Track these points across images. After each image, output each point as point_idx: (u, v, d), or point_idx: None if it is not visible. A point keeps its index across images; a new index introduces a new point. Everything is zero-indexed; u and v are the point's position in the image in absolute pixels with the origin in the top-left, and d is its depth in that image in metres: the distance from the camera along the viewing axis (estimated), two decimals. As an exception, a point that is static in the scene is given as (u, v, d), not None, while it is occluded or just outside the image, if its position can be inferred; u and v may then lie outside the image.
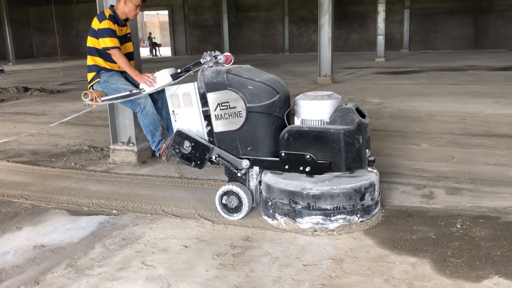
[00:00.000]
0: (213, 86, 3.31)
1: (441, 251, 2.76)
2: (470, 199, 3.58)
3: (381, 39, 17.78)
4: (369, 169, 3.27)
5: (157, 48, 30.78)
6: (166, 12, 30.37)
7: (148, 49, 31.98)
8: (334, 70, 11.92)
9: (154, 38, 31.25)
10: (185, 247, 2.94)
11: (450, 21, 23.44)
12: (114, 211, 3.60)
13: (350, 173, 3.15)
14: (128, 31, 4.44)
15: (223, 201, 3.35)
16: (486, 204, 3.47)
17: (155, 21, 46.24)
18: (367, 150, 3.23)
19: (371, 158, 3.28)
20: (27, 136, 6.16)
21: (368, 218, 3.12)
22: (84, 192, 4.06)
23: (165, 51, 31.88)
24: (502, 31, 22.55)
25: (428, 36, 23.93)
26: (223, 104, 3.30)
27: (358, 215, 3.07)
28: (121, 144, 4.99)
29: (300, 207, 3.05)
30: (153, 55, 29.76)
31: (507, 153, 4.81)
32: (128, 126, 4.95)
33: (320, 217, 3.02)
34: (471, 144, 5.22)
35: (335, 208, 3.02)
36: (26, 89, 11.82)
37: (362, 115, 3.26)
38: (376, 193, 3.19)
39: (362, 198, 3.07)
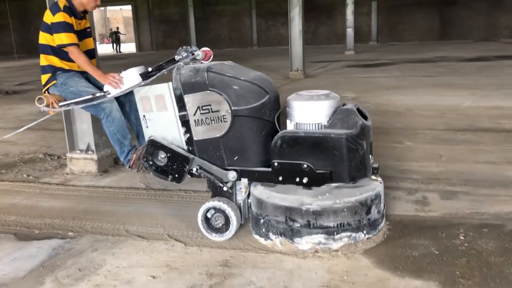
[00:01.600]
0: (191, 87, 2.84)
1: (448, 270, 2.42)
2: (468, 204, 3.26)
3: (350, 32, 17.59)
4: (373, 177, 2.87)
5: (119, 44, 29.75)
6: (129, 7, 29.45)
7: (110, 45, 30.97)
8: (305, 64, 11.59)
9: (120, 33, 30.17)
10: (153, 277, 2.50)
11: (417, 13, 23.51)
12: (70, 233, 3.12)
13: (353, 183, 2.74)
14: (88, 25, 3.89)
15: (207, 220, 2.90)
16: (486, 210, 3.16)
17: (119, 16, 45.02)
18: (370, 156, 2.84)
19: (375, 165, 2.90)
20: (-25, 144, 5.56)
21: (374, 234, 2.74)
22: (36, 210, 3.55)
23: (129, 47, 30.95)
24: (468, 22, 22.76)
25: (396, 28, 23.96)
26: (204, 108, 2.84)
27: (364, 231, 2.68)
28: (79, 152, 4.48)
29: (299, 225, 2.64)
30: (116, 52, 28.79)
31: (495, 149, 4.55)
32: (87, 132, 4.44)
33: (322, 236, 2.62)
34: (456, 140, 4.95)
35: (339, 225, 2.62)
36: (-20, 91, 11.03)
37: (364, 116, 2.85)
38: (382, 204, 2.80)
39: (368, 212, 2.68)
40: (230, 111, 2.79)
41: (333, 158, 2.66)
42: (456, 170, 4.01)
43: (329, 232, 2.62)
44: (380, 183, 2.85)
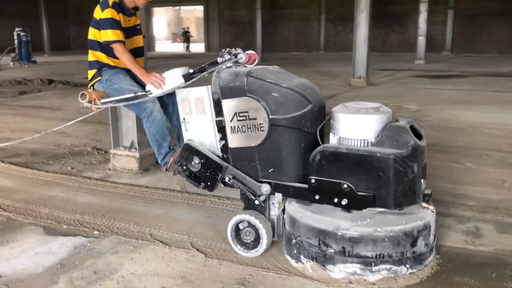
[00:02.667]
0: (229, 92, 2.67)
1: (492, 319, 2.10)
2: (528, 241, 2.88)
3: (421, 40, 16.81)
4: (424, 205, 2.56)
5: (189, 43, 30.38)
6: (202, 7, 30.04)
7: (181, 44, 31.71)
8: (370, 71, 11.17)
9: (189, 33, 30.85)
10: (165, 289, 2.38)
11: (497, 24, 22.07)
12: (95, 232, 3.07)
13: (399, 210, 2.45)
14: (138, 22, 3.87)
15: (237, 234, 2.74)
16: (549, 250, 2.76)
17: (191, 16, 46.12)
18: (422, 181, 2.51)
19: (428, 192, 2.57)
20: (32, 134, 5.74)
21: (419, 269, 2.43)
22: (71, 205, 3.56)
23: (199, 47, 31.56)
24: (554, 35, 21.07)
25: (472, 39, 22.63)
26: (241, 114, 2.66)
27: (407, 265, 2.39)
28: (122, 148, 4.48)
29: (333, 251, 2.40)
30: (186, 51, 29.45)
31: None
32: (131, 129, 4.44)
33: (358, 265, 2.36)
34: (525, 165, 4.46)
35: (378, 256, 2.35)
36: (51, 81, 11.59)
37: (418, 135, 2.54)
38: (431, 236, 2.49)
39: (413, 244, 2.39)
40: (267, 119, 2.60)
41: (378, 180, 2.38)
42: (519, 199, 3.58)
43: (366, 262, 2.36)
44: (432, 212, 2.53)
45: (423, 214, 2.48)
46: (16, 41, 17.43)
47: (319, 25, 25.58)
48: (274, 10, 26.35)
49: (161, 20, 43.66)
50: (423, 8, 16.58)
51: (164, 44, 39.39)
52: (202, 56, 24.28)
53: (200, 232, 3.04)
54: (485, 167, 4.42)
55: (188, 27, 32.85)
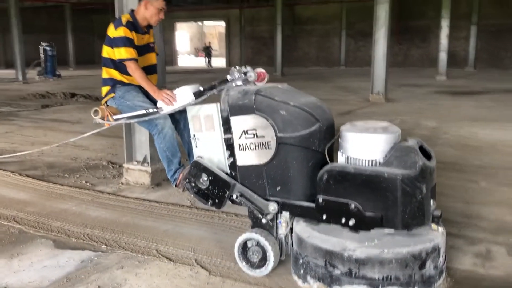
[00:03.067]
0: (238, 109, 2.69)
1: None
2: (540, 265, 2.80)
3: (443, 56, 16.62)
4: (434, 226, 2.50)
5: (210, 58, 30.69)
6: (224, 23, 30.40)
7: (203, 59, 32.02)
8: (389, 87, 11.10)
9: (211, 48, 31.20)
10: (167, 306, 2.39)
11: (522, 39, 21.74)
12: (103, 246, 3.11)
13: (407, 231, 2.42)
14: (151, 40, 3.96)
15: (243, 253, 2.73)
16: (562, 275, 2.68)
17: (214, 31, 46.68)
18: (431, 202, 2.47)
19: (437, 213, 2.52)
20: (48, 146, 5.87)
21: None
22: (82, 218, 3.62)
23: (221, 62, 31.86)
24: None
25: (497, 55, 22.30)
26: (249, 132, 2.67)
27: None
28: (135, 163, 4.54)
29: (339, 272, 2.36)
30: (207, 66, 29.75)
31: None
32: (144, 144, 4.50)
33: (364, 287, 2.34)
34: (542, 186, 4.35)
35: (385, 278, 2.30)
36: (73, 95, 11.84)
37: (428, 155, 2.51)
38: (441, 259, 2.42)
39: (422, 267, 2.33)
40: (275, 137, 2.59)
41: (385, 200, 2.36)
42: (534, 221, 3.49)
43: (373, 284, 2.31)
44: (442, 234, 2.48)
45: (432, 236, 2.43)
46: (42, 55, 17.90)
47: (339, 40, 25.57)
48: (295, 26, 26.50)
49: (184, 35, 44.32)
50: (445, 24, 16.42)
51: (186, 59, 39.91)
52: (223, 71, 24.46)
53: (205, 249, 3.05)
54: (501, 187, 4.33)
55: (210, 42, 33.21)
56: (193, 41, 46.92)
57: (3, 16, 17.88)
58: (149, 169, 4.43)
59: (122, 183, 4.51)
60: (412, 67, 23.77)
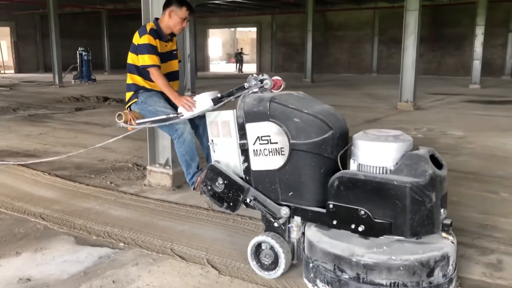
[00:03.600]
0: (253, 116, 2.77)
1: None
2: (551, 278, 2.77)
3: (477, 64, 16.29)
4: (444, 235, 2.51)
5: (241, 64, 30.93)
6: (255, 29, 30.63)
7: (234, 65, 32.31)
8: (419, 95, 10.99)
9: (242, 54, 31.46)
10: (175, 302, 2.50)
11: None
12: (121, 244, 3.26)
13: (417, 238, 2.45)
14: (174, 47, 4.10)
15: (256, 255, 2.80)
16: None
17: (247, 38, 47.05)
18: (442, 211, 2.48)
19: (447, 222, 2.52)
20: (79, 149, 6.10)
21: None
22: (103, 217, 3.78)
23: (252, 68, 32.10)
24: None
25: (535, 63, 21.65)
26: (263, 138, 2.75)
27: None
28: (158, 165, 4.70)
29: (347, 277, 2.40)
30: (238, 71, 30.03)
31: None
32: (167, 148, 4.65)
33: None
34: None
35: (392, 284, 2.34)
36: (106, 99, 12.21)
37: (439, 164, 2.54)
38: (450, 267, 2.44)
39: (430, 274, 2.35)
40: (288, 144, 2.67)
41: (394, 208, 2.39)
42: (551, 233, 3.44)
43: None
44: (452, 242, 2.49)
45: (442, 245, 2.44)
46: (78, 60, 18.51)
47: (372, 47, 25.36)
48: (326, 32, 26.46)
49: (217, 41, 44.83)
50: (479, 32, 16.13)
51: (218, 64, 40.35)
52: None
53: (218, 249, 3.15)
54: (522, 198, 4.27)
55: (241, 49, 33.52)
56: (225, 47, 47.39)
57: (44, 22, 18.62)
58: (170, 171, 4.57)
59: (145, 185, 4.67)
60: (446, 75, 23.33)
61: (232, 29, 44.03)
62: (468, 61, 20.73)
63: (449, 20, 22.94)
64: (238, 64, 30.64)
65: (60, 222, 3.67)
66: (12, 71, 27.02)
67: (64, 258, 3.03)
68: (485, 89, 15.86)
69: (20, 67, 27.34)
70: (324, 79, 21.06)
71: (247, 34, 45.67)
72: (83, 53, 18.53)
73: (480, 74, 16.40)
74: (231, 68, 33.19)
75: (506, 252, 3.12)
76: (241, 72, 29.60)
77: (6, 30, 27.35)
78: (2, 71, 26.68)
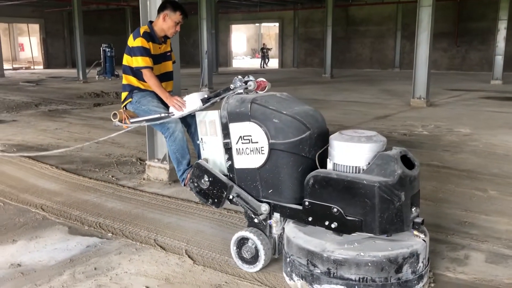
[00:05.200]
0: (236, 116, 2.91)
1: None
2: (513, 273, 2.85)
3: (499, 60, 15.98)
4: (415, 233, 2.58)
5: (266, 59, 31.00)
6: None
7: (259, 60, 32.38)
8: (436, 91, 10.91)
9: (266, 49, 31.52)
10: (147, 288, 2.70)
11: None
12: (109, 234, 3.48)
13: (387, 236, 2.56)
14: (168, 49, 4.23)
15: (238, 250, 2.95)
16: (532, 284, 2.73)
17: (271, 33, 47.07)
18: (413, 209, 2.57)
19: (418, 220, 2.58)
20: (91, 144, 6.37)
21: None
22: (98, 209, 4.02)
23: (274, 63, 32.15)
24: None
25: (562, 58, 21.01)
26: (245, 138, 2.89)
27: None
28: (156, 160, 4.92)
29: (319, 271, 2.52)
30: (261, 67, 30.13)
31: None
32: (165, 143, 4.83)
33: (342, 287, 2.48)
34: (554, 197, 4.28)
35: (361, 279, 2.45)
36: (124, 95, 12.53)
37: (411, 164, 2.63)
38: (420, 264, 2.53)
39: (398, 271, 2.45)
40: (267, 143, 2.79)
41: (364, 206, 2.49)
42: (528, 231, 3.49)
43: (350, 285, 2.46)
44: (423, 240, 2.57)
45: (412, 242, 2.53)
46: (102, 56, 19.00)
47: (394, 42, 25.08)
48: (348, 26, 26.30)
49: (241, 36, 45.01)
50: (502, 26, 15.79)
51: (243, 60, 40.53)
52: (274, 72, 24.76)
53: (198, 241, 3.33)
54: (509, 196, 4.30)
55: (264, 44, 33.60)
56: (250, 42, 47.53)
57: (71, 19, 19.17)
58: (167, 166, 4.78)
59: (144, 179, 4.89)
60: (470, 71, 22.90)
61: (257, 24, 44.10)
62: (492, 56, 20.34)
63: (474, 14, 22.49)
64: (262, 60, 30.71)
65: (58, 213, 3.92)
66: (41, 67, 27.86)
67: (55, 246, 3.27)
68: (507, 85, 15.55)
69: (48, 62, 28.17)
70: (344, 75, 20.99)
71: (272, 29, 45.66)
72: (107, 49, 18.97)
73: (502, 70, 16.08)
74: (255, 63, 33.29)
75: (476, 249, 3.20)
76: (262, 67, 29.70)
77: (36, 27, 28.23)
78: (32, 67, 27.55)
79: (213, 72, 17.63)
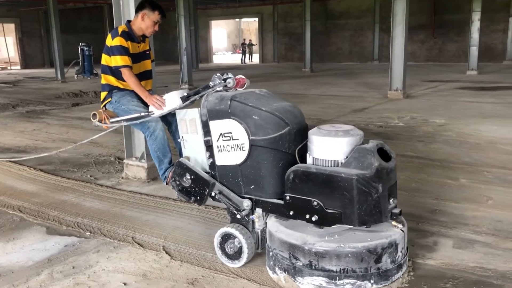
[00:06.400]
0: (216, 114, 2.94)
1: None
2: (479, 257, 2.97)
3: (474, 50, 16.29)
4: (394, 223, 2.65)
5: (248, 54, 31.00)
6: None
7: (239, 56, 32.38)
8: (413, 83, 11.09)
9: (245, 45, 31.52)
10: (124, 284, 2.75)
11: None
12: (87, 233, 3.51)
13: (366, 227, 2.63)
14: (147, 48, 4.25)
15: (222, 246, 2.99)
16: (495, 266, 2.85)
17: (252, 28, 47.04)
18: (390, 200, 2.64)
19: (396, 210, 2.65)
20: (68, 144, 6.36)
21: (385, 285, 2.56)
22: (77, 209, 4.04)
23: (255, 58, 32.18)
24: None
25: (536, 47, 21.49)
26: (225, 135, 2.92)
27: (372, 281, 2.53)
28: (134, 159, 4.95)
29: (301, 264, 2.58)
30: (242, 62, 30.15)
31: (561, 198, 4.00)
32: (142, 142, 4.88)
33: (324, 279, 2.53)
34: (521, 183, 4.44)
35: (342, 270, 2.51)
36: (103, 94, 12.46)
37: (388, 157, 2.70)
38: (399, 253, 2.60)
39: (378, 261, 2.53)
40: (248, 140, 2.82)
41: (343, 199, 2.56)
42: (494, 217, 3.63)
43: (331, 276, 2.52)
44: (402, 231, 2.65)
45: (390, 233, 2.61)
46: (80, 55, 18.82)
47: (373, 35, 25.33)
48: (328, 21, 26.49)
49: (222, 32, 44.90)
50: (476, 18, 16.08)
51: (224, 55, 40.47)
52: (255, 67, 24.80)
53: (176, 237, 3.39)
54: (479, 184, 4.44)
55: (244, 39, 33.63)
56: (230, 37, 47.45)
57: (47, 18, 18.90)
58: (145, 164, 4.82)
59: (122, 178, 4.92)
60: (448, 62, 23.31)
61: (237, 20, 44.01)
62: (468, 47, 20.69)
63: (450, 6, 22.86)
64: (243, 55, 30.73)
65: (36, 214, 3.93)
66: (19, 67, 27.46)
67: (33, 247, 3.29)
68: (482, 75, 15.88)
69: (26, 62, 27.79)
70: (324, 68, 21.16)
71: (252, 24, 45.62)
72: (85, 48, 18.81)
73: (477, 60, 16.39)
74: (236, 58, 33.28)
75: (445, 235, 3.32)
76: (244, 63, 29.73)
77: (11, 26, 27.77)
78: (9, 67, 27.13)
79: (193, 69, 17.62)
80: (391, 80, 10.81)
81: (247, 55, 31.23)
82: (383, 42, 25.15)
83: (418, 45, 24.39)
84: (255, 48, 32.02)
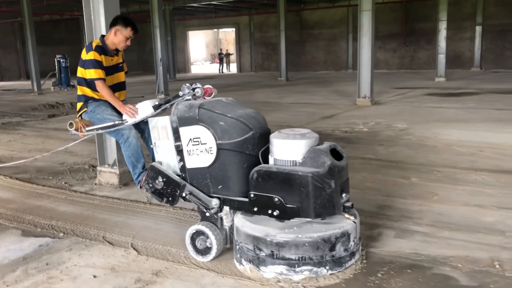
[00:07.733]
0: (185, 121, 3.21)
1: (339, 303, 2.58)
2: (414, 245, 3.32)
3: (441, 58, 16.94)
4: (346, 215, 2.98)
5: (226, 64, 31.36)
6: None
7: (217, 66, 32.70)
8: (383, 90, 11.55)
9: (223, 54, 31.90)
10: (94, 277, 3.01)
11: (528, 38, 21.77)
12: (61, 234, 3.75)
13: (322, 219, 2.94)
14: (120, 60, 4.47)
15: (193, 242, 3.24)
16: (428, 252, 3.20)
17: (230, 38, 47.50)
18: (343, 195, 2.97)
19: (348, 204, 2.99)
20: (42, 152, 6.56)
21: (339, 271, 2.87)
22: (51, 213, 4.27)
23: (233, 68, 32.56)
24: None
25: (502, 54, 22.36)
26: (194, 140, 3.20)
27: (327, 267, 2.83)
28: (107, 166, 5.19)
29: (264, 254, 2.86)
30: (220, 72, 30.49)
31: (498, 192, 4.39)
32: (114, 149, 5.13)
33: (284, 267, 2.83)
34: (467, 181, 4.82)
35: (300, 258, 2.81)
36: (80, 105, 12.62)
37: (339, 156, 3.03)
38: (351, 242, 2.91)
39: (332, 249, 2.83)
40: (215, 144, 3.10)
41: (300, 194, 2.86)
42: (436, 210, 3.99)
43: (291, 264, 2.80)
44: (354, 222, 2.97)
45: (343, 224, 2.93)
46: (56, 67, 18.88)
47: (347, 44, 26.01)
48: (302, 30, 27.05)
49: (200, 42, 45.23)
50: (442, 27, 16.75)
51: (202, 65, 40.77)
52: (232, 77, 25.18)
53: (144, 236, 3.66)
54: (428, 182, 4.81)
55: (220, 49, 34.02)
56: (209, 47, 47.80)
57: (22, 30, 18.98)
58: (117, 171, 5.07)
59: (95, 184, 5.16)
60: (419, 69, 24.04)
61: (215, 30, 44.42)
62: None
63: (419, 16, 23.64)
64: (221, 65, 31.09)
65: (11, 218, 4.15)
66: (-6, 80, 27.30)
67: (9, 248, 3.52)
68: (450, 82, 16.51)
69: (1, 75, 27.63)
70: (299, 77, 21.62)
71: (230, 34, 46.06)
72: (61, 60, 18.85)
73: (445, 67, 17.05)
74: (214, 68, 33.60)
75: (389, 227, 3.66)
76: (222, 72, 30.08)
77: (-14, 39, 27.65)
78: (-16, 80, 26.96)
79: (170, 79, 17.88)
80: (359, 87, 11.26)
81: (224, 65, 31.62)
82: (357, 51, 25.78)
83: (391, 53, 25.11)
84: (233, 57, 32.46)
